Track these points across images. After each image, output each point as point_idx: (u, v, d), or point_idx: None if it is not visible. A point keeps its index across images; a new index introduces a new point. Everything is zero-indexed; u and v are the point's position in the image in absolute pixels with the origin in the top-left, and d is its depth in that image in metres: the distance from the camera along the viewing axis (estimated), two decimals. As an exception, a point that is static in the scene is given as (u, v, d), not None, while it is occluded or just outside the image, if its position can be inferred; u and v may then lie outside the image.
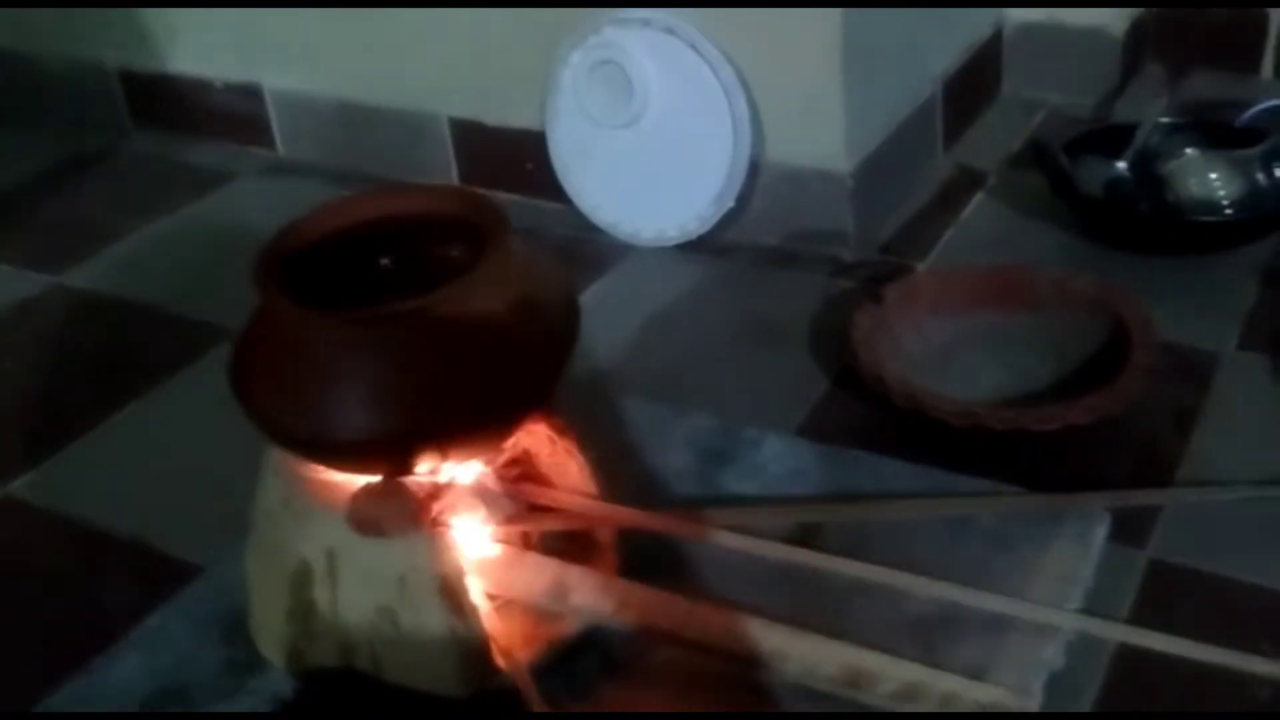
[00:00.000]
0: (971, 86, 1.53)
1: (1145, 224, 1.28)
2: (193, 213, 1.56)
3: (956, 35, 1.50)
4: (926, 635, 0.85)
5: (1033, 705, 0.79)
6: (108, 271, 1.45)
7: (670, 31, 1.30)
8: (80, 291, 1.42)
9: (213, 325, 1.31)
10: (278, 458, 0.84)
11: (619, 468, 0.95)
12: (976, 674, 0.81)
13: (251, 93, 1.64)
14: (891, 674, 0.80)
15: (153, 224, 1.54)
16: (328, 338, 0.75)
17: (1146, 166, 1.33)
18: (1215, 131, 1.34)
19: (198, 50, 1.66)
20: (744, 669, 0.82)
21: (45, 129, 1.78)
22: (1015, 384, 1.09)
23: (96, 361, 1.30)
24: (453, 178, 1.54)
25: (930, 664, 0.81)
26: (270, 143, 1.66)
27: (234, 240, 1.48)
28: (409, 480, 0.81)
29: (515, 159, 1.47)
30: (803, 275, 1.31)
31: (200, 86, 1.68)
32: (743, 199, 1.34)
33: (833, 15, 1.23)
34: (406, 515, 0.79)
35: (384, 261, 0.85)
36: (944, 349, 1.13)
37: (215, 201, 1.59)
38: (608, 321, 1.24)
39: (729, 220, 1.36)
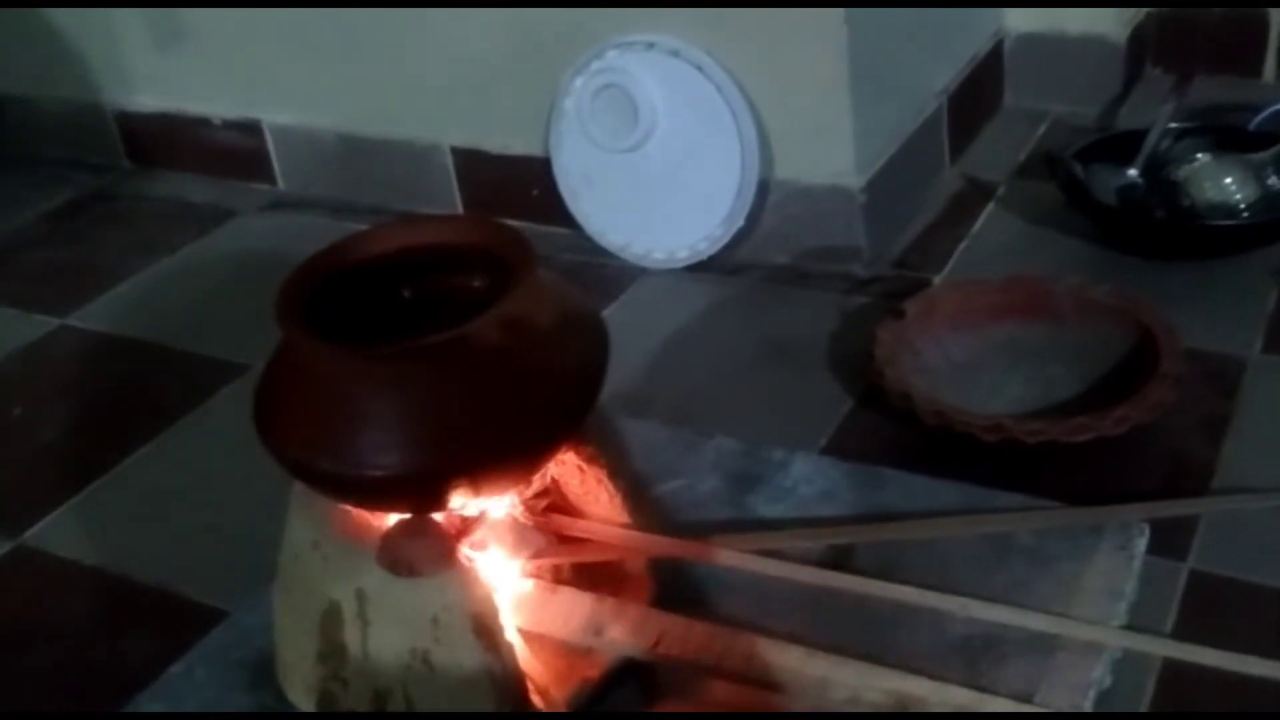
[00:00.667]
0: (974, 99, 1.52)
1: (1162, 230, 1.27)
2: (196, 250, 1.55)
3: (957, 49, 1.50)
4: (971, 658, 0.83)
5: (1084, 726, 0.77)
6: (114, 312, 1.44)
7: (675, 54, 1.29)
8: (87, 333, 1.40)
9: (223, 362, 1.30)
10: (304, 497, 0.82)
11: (646, 495, 0.94)
12: (1025, 696, 0.79)
13: (250, 129, 1.63)
14: (939, 699, 0.78)
15: (156, 263, 1.53)
16: (355, 373, 0.73)
17: (1158, 173, 1.32)
18: (1226, 135, 1.34)
19: (195, 88, 1.65)
20: (787, 699, 0.80)
21: (43, 172, 1.77)
22: (1040, 396, 1.08)
23: (108, 404, 1.28)
24: (456, 206, 1.53)
25: (977, 688, 0.79)
26: (271, 178, 1.65)
27: (239, 276, 1.48)
28: (439, 516, 0.80)
29: (519, 185, 1.46)
30: (817, 293, 1.30)
31: (198, 124, 1.67)
32: (753, 218, 1.33)
33: (839, 33, 1.22)
34: (439, 553, 0.77)
35: (405, 293, 0.83)
36: (967, 363, 1.11)
37: (218, 238, 1.57)
38: (623, 346, 1.21)
39: (739, 240, 1.35)
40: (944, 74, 1.45)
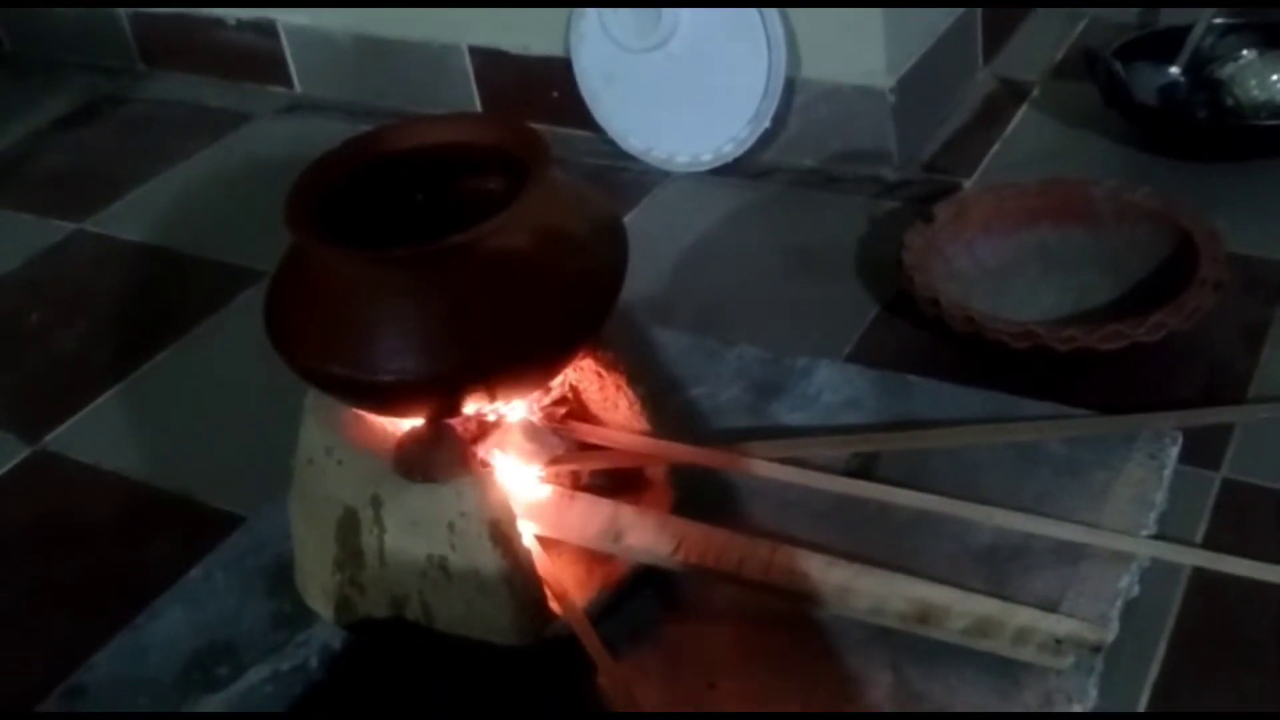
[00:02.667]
0: (1011, -5, 1.47)
1: (1205, 130, 1.23)
2: (211, 155, 1.53)
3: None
4: (995, 568, 0.81)
5: (1110, 636, 0.76)
6: (129, 217, 1.42)
7: (700, -54, 1.25)
8: (103, 239, 1.39)
9: (239, 268, 1.28)
10: (318, 403, 0.81)
11: (666, 402, 0.92)
12: (1050, 606, 0.78)
13: (266, 30, 1.60)
14: (962, 609, 0.76)
15: (172, 168, 1.50)
16: (367, 277, 0.71)
17: (1201, 71, 1.27)
18: (1273, 32, 1.28)
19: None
20: (808, 607, 0.79)
21: (57, 76, 1.74)
22: (1074, 303, 1.05)
23: (124, 310, 1.27)
24: (475, 108, 1.50)
25: (1002, 597, 0.78)
26: (287, 80, 1.62)
27: (255, 181, 1.45)
28: (454, 422, 0.78)
29: (540, 87, 1.42)
30: (844, 197, 1.27)
31: (213, 25, 1.63)
32: (779, 120, 1.29)
33: (869, -77, 1.17)
34: (454, 459, 0.76)
35: (419, 196, 0.81)
36: (998, 269, 1.08)
37: (233, 142, 1.55)
38: (644, 251, 1.18)
39: (765, 142, 1.31)
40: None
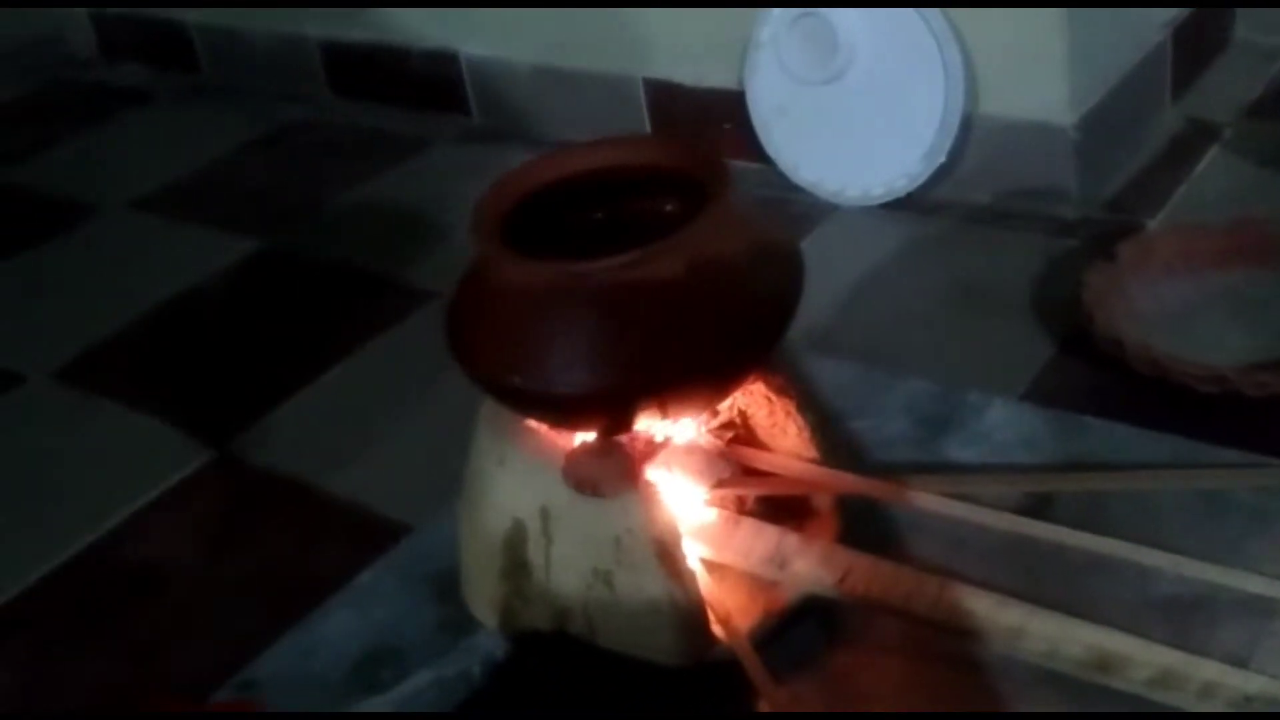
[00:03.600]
0: (1201, 33, 1.42)
1: None
2: (391, 179, 1.58)
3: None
4: (1178, 618, 0.78)
5: (1304, 696, 0.71)
6: (310, 236, 1.48)
7: (879, -21, 1.24)
8: (286, 255, 1.45)
9: (415, 288, 1.32)
10: (492, 415, 0.83)
11: (834, 432, 0.91)
12: (1238, 662, 0.74)
13: (447, 60, 1.65)
14: (1144, 658, 0.73)
15: (353, 190, 1.56)
16: (548, 290, 0.73)
17: None
18: None
19: (395, 19, 1.67)
20: (975, 646, 0.77)
21: (248, 103, 1.83)
22: (1264, 349, 1.00)
23: (303, 323, 1.32)
24: (647, 140, 1.51)
25: (1185, 650, 0.74)
26: (466, 109, 1.67)
27: (431, 206, 1.50)
28: (624, 439, 0.79)
29: (712, 119, 1.43)
30: (1020, 234, 1.24)
31: (397, 55, 1.70)
32: (955, 154, 1.27)
33: (1057, -45, 1.15)
34: (624, 474, 0.76)
35: (598, 215, 0.82)
36: (1183, 310, 1.04)
37: (413, 168, 1.60)
38: (811, 283, 1.18)
39: (939, 177, 1.29)
40: (1169, 5, 1.35)
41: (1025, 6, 1.18)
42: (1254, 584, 0.78)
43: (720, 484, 0.84)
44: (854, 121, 1.31)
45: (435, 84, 1.67)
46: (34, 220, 1.60)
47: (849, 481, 0.86)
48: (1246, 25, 1.48)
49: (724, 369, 0.75)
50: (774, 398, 0.84)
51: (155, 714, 0.80)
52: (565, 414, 0.76)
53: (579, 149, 0.82)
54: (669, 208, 0.82)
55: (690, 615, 0.77)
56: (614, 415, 0.75)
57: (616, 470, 0.76)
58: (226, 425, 1.16)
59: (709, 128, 1.43)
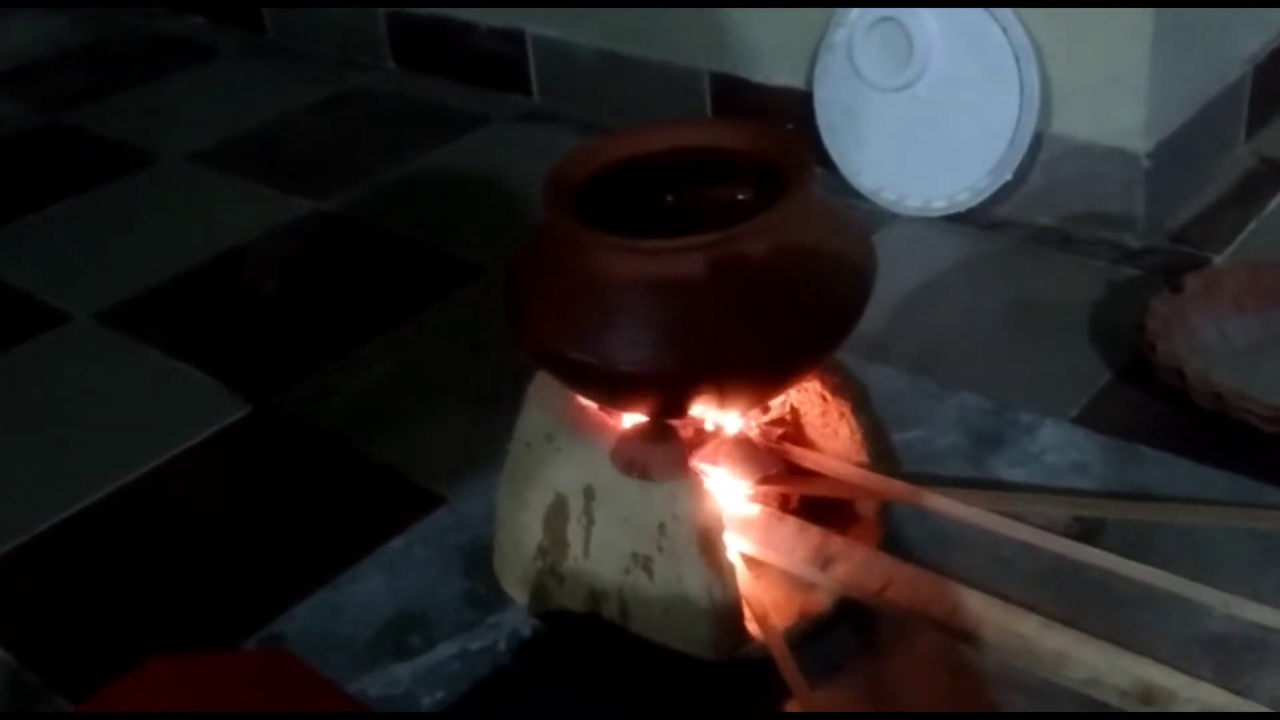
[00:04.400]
0: (1282, 72, 1.39)
1: None
2: (448, 153, 1.57)
3: (1272, 17, 1.37)
4: (1226, 658, 0.76)
5: (1352, 749, 0.69)
6: (364, 202, 1.47)
7: (961, -11, 1.22)
8: (338, 220, 1.44)
9: (464, 262, 1.31)
10: (543, 388, 0.82)
11: (884, 439, 0.89)
12: (1286, 707, 0.72)
13: (514, 39, 1.64)
14: (1190, 694, 0.71)
15: (409, 161, 1.55)
16: (615, 265, 0.71)
17: None
18: None
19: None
20: (1016, 667, 0.75)
21: (313, 67, 1.83)
22: (1330, 394, 0.98)
23: (353, 288, 1.31)
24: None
25: (1232, 690, 0.72)
26: (528, 89, 1.66)
27: (486, 183, 1.49)
28: (676, 424, 0.78)
29: (775, 118, 1.42)
30: (1082, 259, 1.22)
31: (464, 29, 1.69)
32: (1021, 172, 1.25)
33: (1146, -21, 1.13)
34: (674, 460, 0.75)
35: (669, 199, 0.81)
36: (1247, 348, 1.02)
37: (470, 143, 1.59)
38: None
39: (1003, 194, 1.27)
40: (1254, 39, 1.33)
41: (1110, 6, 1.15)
42: (1307, 630, 0.76)
43: (767, 479, 0.82)
44: (921, 131, 1.29)
45: (499, 61, 1.66)
46: (92, 164, 1.61)
47: (897, 489, 0.84)
48: (1328, 68, 1.45)
49: (787, 363, 0.74)
50: (829, 397, 0.83)
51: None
52: (621, 393, 0.74)
53: (656, 127, 0.81)
54: (742, 196, 0.80)
55: (727, 609, 0.76)
56: (670, 399, 0.74)
57: (667, 455, 0.75)
58: (267, 381, 1.16)
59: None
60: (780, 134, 0.77)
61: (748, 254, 0.70)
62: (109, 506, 1.02)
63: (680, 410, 0.75)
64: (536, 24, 1.61)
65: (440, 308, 1.26)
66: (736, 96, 1.46)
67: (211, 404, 1.13)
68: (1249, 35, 1.33)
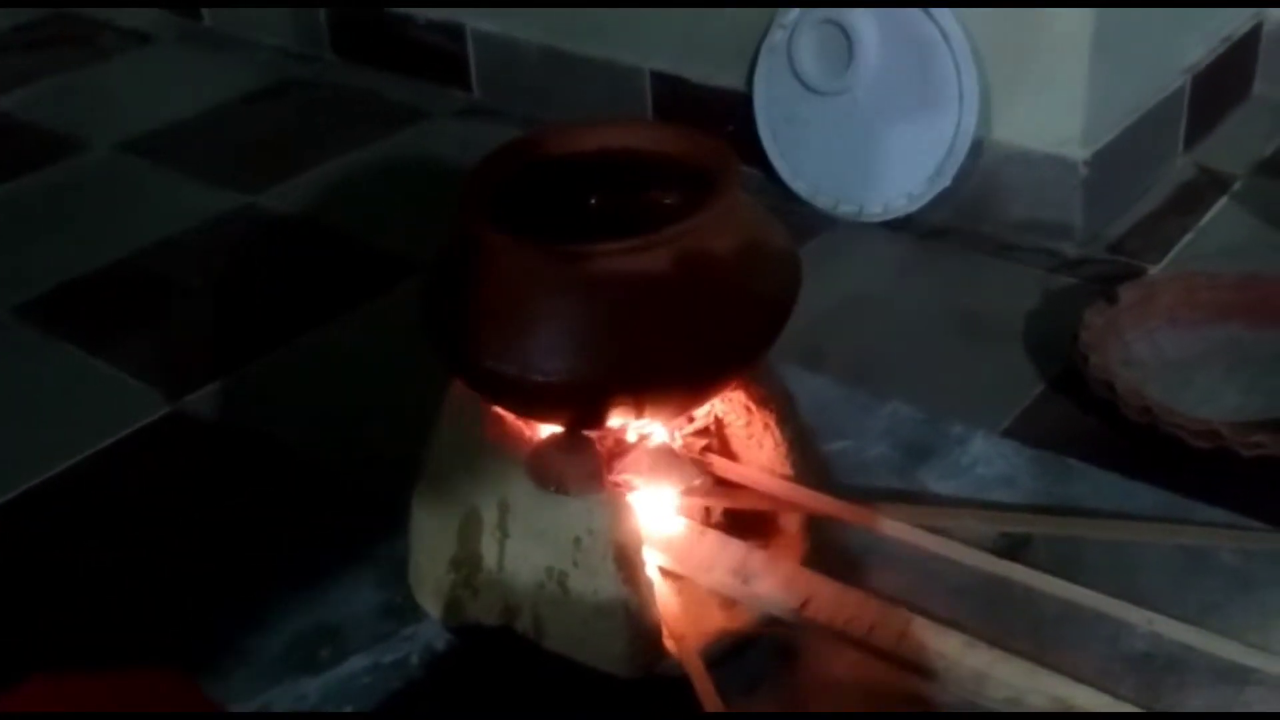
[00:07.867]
0: (1222, 82, 1.39)
1: None
2: (385, 147, 1.54)
3: (1212, 25, 1.37)
4: (1149, 678, 0.75)
5: (1270, 772, 0.69)
6: (299, 196, 1.44)
7: (902, -7, 1.21)
8: (271, 213, 1.41)
9: (400, 258, 1.28)
10: (459, 400, 0.79)
11: (811, 451, 0.88)
12: (1205, 728, 0.71)
13: (454, 32, 1.61)
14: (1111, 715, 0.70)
15: (346, 155, 1.52)
16: (532, 271, 0.69)
17: None
18: None
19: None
20: (936, 686, 0.74)
21: (251, 55, 1.79)
22: (1260, 408, 0.98)
23: (283, 283, 1.28)
24: (649, 134, 1.48)
25: (1153, 712, 0.72)
26: (467, 84, 1.63)
27: (424, 177, 1.46)
28: (593, 435, 0.76)
29: (715, 119, 1.40)
30: (1018, 267, 1.21)
31: (403, 23, 1.66)
32: (960, 179, 1.25)
33: (1087, -13, 1.12)
34: (590, 473, 0.73)
35: (593, 201, 0.79)
36: (1180, 361, 1.02)
37: (408, 137, 1.56)
38: (802, 295, 1.16)
39: (941, 201, 1.26)
40: (1193, 50, 1.33)
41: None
42: (1229, 650, 0.76)
43: (688, 491, 0.80)
44: (859, 135, 1.28)
45: (440, 55, 1.63)
46: (18, 152, 1.56)
47: (822, 502, 0.83)
48: (1266, 79, 1.46)
49: (708, 372, 0.72)
50: (754, 408, 0.81)
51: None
52: (536, 403, 0.72)
53: (582, 127, 0.79)
54: (669, 200, 0.78)
55: (643, 625, 0.74)
56: (586, 409, 0.71)
57: (583, 468, 0.73)
58: (186, 381, 1.12)
59: (711, 127, 1.39)
60: (707, 138, 0.75)
61: (668, 260, 0.68)
62: (17, 507, 0.98)
63: (599, 420, 0.73)
64: (477, 19, 1.59)
65: (375, 305, 1.23)
66: (677, 96, 1.44)
67: (129, 403, 1.09)
68: (1189, 45, 1.33)
